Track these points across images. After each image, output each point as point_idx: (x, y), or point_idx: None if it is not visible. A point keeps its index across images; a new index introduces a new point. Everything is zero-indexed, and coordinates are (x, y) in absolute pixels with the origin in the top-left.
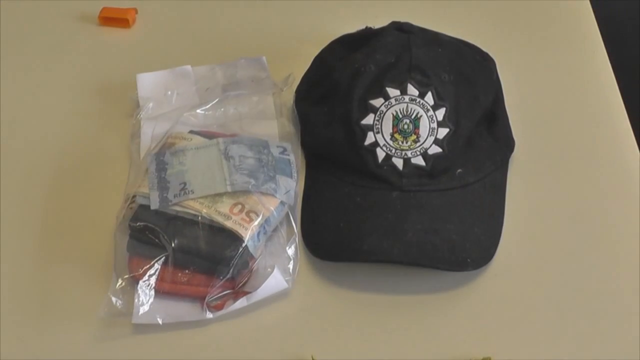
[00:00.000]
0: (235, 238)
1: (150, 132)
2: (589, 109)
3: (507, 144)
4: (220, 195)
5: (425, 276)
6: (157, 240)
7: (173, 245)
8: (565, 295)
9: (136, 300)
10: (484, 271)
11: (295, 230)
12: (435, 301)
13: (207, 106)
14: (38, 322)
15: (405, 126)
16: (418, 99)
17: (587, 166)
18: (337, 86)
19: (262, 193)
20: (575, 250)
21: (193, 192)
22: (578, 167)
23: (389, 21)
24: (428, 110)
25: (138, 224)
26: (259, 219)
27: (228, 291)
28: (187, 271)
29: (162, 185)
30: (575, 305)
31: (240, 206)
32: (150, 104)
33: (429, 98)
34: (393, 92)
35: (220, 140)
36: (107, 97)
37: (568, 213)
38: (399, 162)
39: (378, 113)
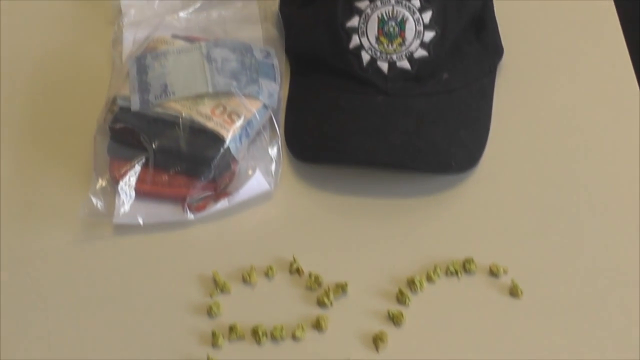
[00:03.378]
0: (216, 139)
1: (132, 38)
2: (579, 17)
3: (495, 51)
4: (201, 97)
5: (409, 180)
6: (137, 142)
7: (154, 146)
8: (548, 202)
9: (117, 200)
10: (469, 176)
11: (278, 134)
12: (419, 205)
13: (190, 10)
14: (19, 223)
15: (391, 29)
16: (404, 1)
17: (576, 74)
18: None
19: (245, 95)
20: (563, 158)
21: (174, 94)
22: (568, 75)
23: None
24: (414, 12)
25: (118, 125)
26: (241, 121)
27: (209, 193)
28: (168, 172)
29: (143, 87)
30: (558, 210)
31: (222, 108)
32: (132, 11)
33: (416, 0)
34: None
35: (203, 43)
36: (89, 4)
37: (556, 121)
38: (384, 66)
39: (363, 15)
